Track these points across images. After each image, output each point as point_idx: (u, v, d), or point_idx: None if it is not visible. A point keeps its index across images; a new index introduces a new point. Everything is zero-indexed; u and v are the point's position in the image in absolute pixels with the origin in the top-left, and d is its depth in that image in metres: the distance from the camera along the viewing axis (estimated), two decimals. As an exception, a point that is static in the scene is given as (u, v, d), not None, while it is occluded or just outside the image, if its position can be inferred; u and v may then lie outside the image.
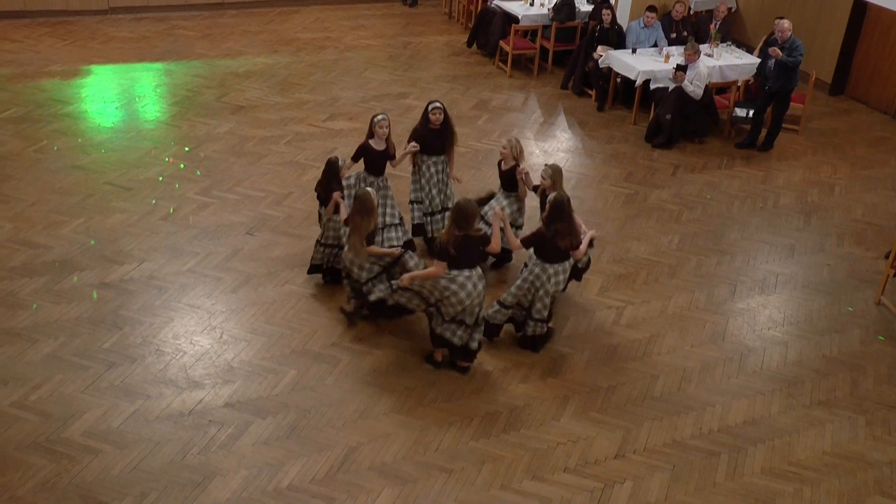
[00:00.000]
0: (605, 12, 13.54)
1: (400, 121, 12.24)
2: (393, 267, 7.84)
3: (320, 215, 8.43)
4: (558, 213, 7.40)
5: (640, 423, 7.26)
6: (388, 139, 8.59)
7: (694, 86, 11.90)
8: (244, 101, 12.77)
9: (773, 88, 11.80)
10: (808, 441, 7.23)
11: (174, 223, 9.55)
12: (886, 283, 9.05)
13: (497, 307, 7.88)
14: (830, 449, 7.18)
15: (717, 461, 6.95)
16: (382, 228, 8.55)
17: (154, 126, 11.87)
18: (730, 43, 13.65)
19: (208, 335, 7.92)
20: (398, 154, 8.82)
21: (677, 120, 12.05)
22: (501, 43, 14.61)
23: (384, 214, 8.61)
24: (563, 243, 7.46)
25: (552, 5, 14.57)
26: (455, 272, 7.13)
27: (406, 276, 7.28)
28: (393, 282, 7.54)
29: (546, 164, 8.35)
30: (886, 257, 9.44)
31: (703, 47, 12.99)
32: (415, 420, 7.11)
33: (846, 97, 14.52)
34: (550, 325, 8.07)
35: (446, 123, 8.82)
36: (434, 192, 9.06)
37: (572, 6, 14.46)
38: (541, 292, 7.65)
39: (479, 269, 7.27)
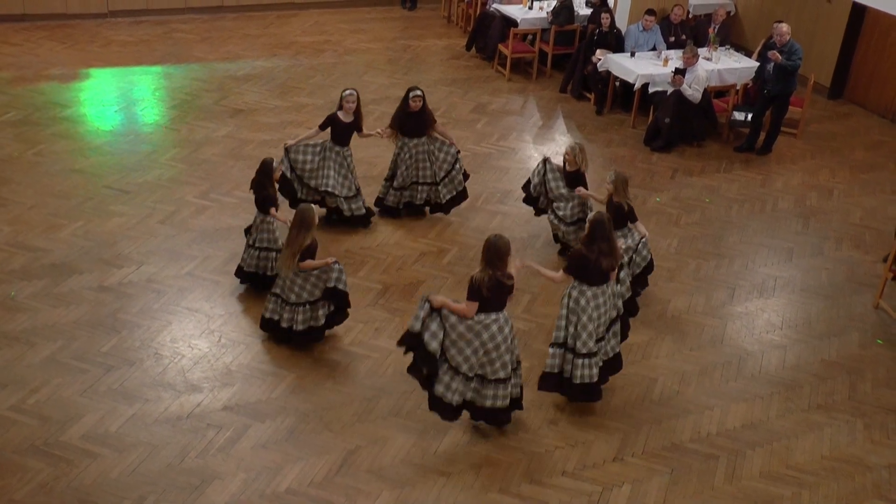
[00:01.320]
0: (604, 16, 13.55)
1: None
2: (323, 300, 7.64)
3: (255, 219, 8.45)
4: (600, 232, 6.96)
5: (638, 427, 7.26)
6: (356, 113, 9.32)
7: (693, 89, 11.91)
8: (243, 105, 12.77)
9: (771, 92, 11.81)
10: (806, 445, 7.23)
11: (173, 227, 9.55)
12: (885, 287, 9.06)
13: (550, 351, 7.27)
14: (829, 453, 7.18)
15: (716, 465, 6.95)
16: (342, 197, 9.44)
17: (153, 129, 11.88)
18: (728, 46, 13.67)
19: (207, 338, 7.92)
20: (366, 129, 9.61)
21: (676, 123, 12.06)
22: (500, 46, 14.62)
23: (342, 185, 9.44)
24: (607, 263, 7.00)
25: (551, 9, 14.58)
26: (482, 316, 6.60)
27: (440, 298, 6.66)
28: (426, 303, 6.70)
29: (612, 170, 8.45)
30: (885, 261, 9.45)
31: (702, 51, 13.00)
32: (413, 423, 7.11)
33: (845, 101, 14.53)
34: (600, 359, 7.36)
35: (424, 108, 9.52)
36: (408, 170, 9.74)
37: (571, 10, 14.48)
38: (584, 319, 7.06)
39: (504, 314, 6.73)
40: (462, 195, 10.04)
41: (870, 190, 11.62)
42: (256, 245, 8.35)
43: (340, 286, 7.52)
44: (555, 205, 9.30)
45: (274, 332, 7.83)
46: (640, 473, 6.81)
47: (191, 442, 6.77)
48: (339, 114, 9.32)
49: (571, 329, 7.11)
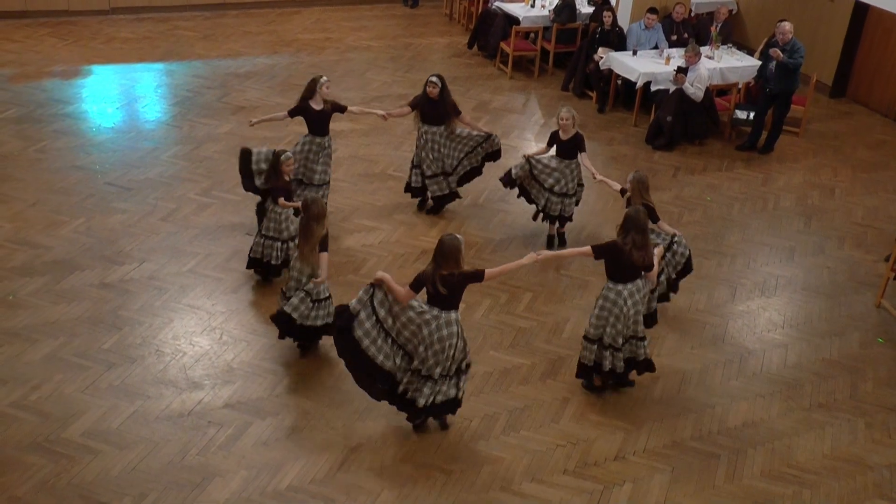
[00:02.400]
0: (606, 14, 13.54)
1: (401, 122, 12.23)
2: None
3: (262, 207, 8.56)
4: (634, 224, 6.96)
5: (639, 425, 7.26)
6: (326, 100, 9.23)
7: (695, 88, 11.90)
8: (245, 102, 12.77)
9: (773, 91, 11.81)
10: (807, 444, 7.23)
11: (175, 224, 9.55)
12: (886, 286, 9.05)
13: (583, 343, 7.38)
14: (830, 452, 7.18)
15: (717, 463, 6.95)
16: (321, 185, 9.37)
17: (155, 126, 11.87)
18: (730, 45, 13.65)
19: (208, 336, 7.92)
20: (362, 106, 10.08)
21: (678, 122, 12.05)
22: (502, 44, 14.61)
23: (324, 173, 9.40)
24: (638, 257, 6.95)
25: (553, 7, 14.57)
26: (437, 311, 6.55)
27: (384, 275, 6.64)
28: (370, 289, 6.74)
29: (634, 171, 8.39)
30: (886, 260, 9.43)
31: (704, 49, 12.99)
32: (414, 421, 7.11)
33: (847, 100, 14.51)
34: (643, 353, 7.45)
35: (443, 96, 9.46)
36: (431, 156, 9.70)
37: (573, 8, 14.46)
38: (612, 319, 7.14)
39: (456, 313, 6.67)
40: (476, 171, 10.07)
41: (872, 189, 11.61)
42: (263, 233, 8.38)
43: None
44: (554, 188, 9.36)
45: (287, 325, 7.59)
46: (642, 472, 6.81)
47: (192, 439, 6.77)
48: (311, 102, 9.15)
49: (606, 328, 7.20)
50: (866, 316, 8.93)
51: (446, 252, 6.48)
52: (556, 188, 9.36)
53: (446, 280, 6.47)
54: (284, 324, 7.50)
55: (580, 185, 9.51)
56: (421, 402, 6.66)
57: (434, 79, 9.41)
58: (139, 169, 10.65)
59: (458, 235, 6.59)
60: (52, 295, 8.28)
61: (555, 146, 9.33)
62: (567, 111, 9.10)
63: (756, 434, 7.29)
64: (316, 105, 9.16)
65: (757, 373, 8.02)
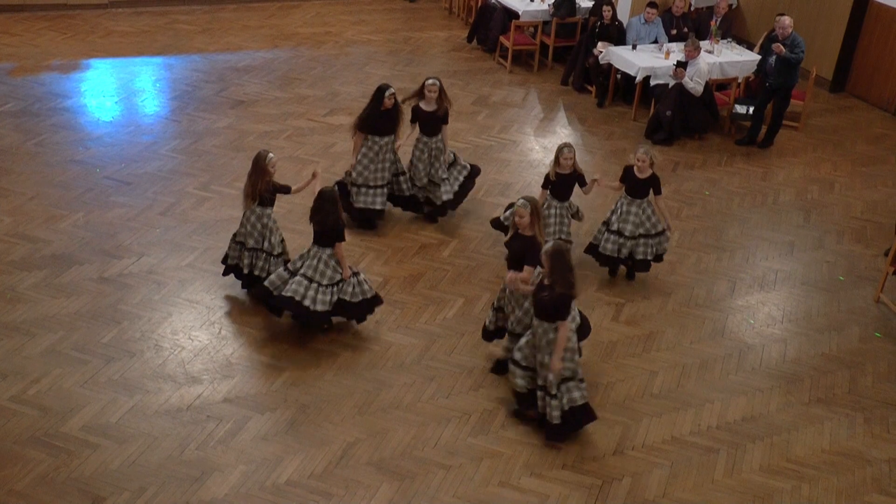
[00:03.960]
0: (606, 8, 13.51)
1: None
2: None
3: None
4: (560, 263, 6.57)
5: (638, 420, 7.26)
6: (438, 101, 9.25)
7: (694, 82, 11.89)
8: (244, 96, 12.75)
9: (773, 85, 11.79)
10: (806, 438, 7.23)
11: (173, 218, 9.54)
12: (886, 281, 9.05)
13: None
14: (829, 446, 7.18)
15: (716, 458, 6.95)
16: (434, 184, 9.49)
17: (153, 120, 11.86)
18: (730, 39, 13.63)
19: (207, 330, 7.92)
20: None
21: (677, 116, 12.04)
22: (502, 38, 14.59)
23: (437, 169, 9.46)
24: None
25: (552, 1, 14.53)
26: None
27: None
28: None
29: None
30: (886, 254, 9.45)
31: (704, 44, 12.97)
32: (413, 416, 7.11)
33: (847, 94, 14.50)
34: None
35: (439, 102, 9.32)
36: (423, 169, 9.58)
37: (573, 2, 14.42)
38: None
39: None
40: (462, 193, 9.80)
41: (871, 183, 11.60)
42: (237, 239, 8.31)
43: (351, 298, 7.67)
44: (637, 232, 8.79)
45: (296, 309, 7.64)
46: (640, 466, 6.81)
47: (191, 433, 6.77)
48: (422, 104, 9.25)
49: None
50: (865, 311, 8.93)
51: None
52: (641, 231, 8.77)
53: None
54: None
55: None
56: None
57: (434, 81, 9.24)
58: (138, 163, 10.63)
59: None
60: (51, 289, 8.28)
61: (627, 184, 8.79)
62: (644, 152, 8.54)
63: (755, 428, 7.29)
64: (427, 107, 9.31)
65: (756, 367, 8.02)
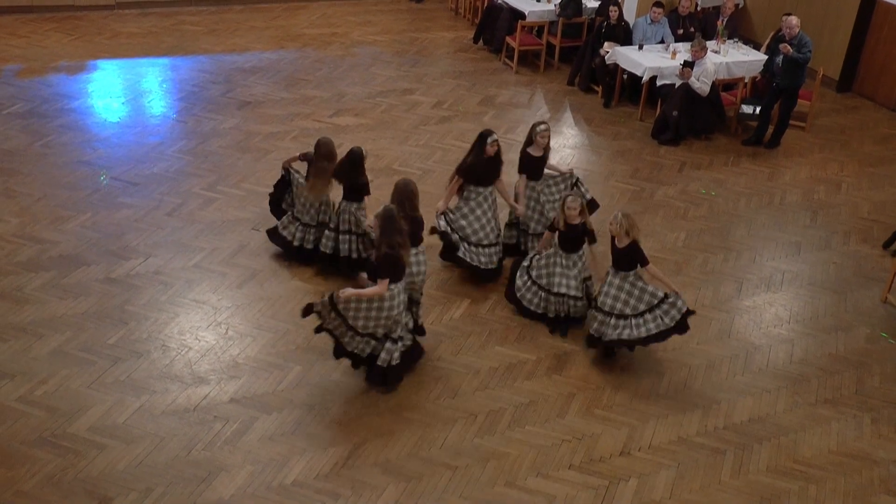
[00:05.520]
0: (612, 8, 13.50)
1: (406, 116, 12.26)
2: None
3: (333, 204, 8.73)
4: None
5: (645, 421, 7.26)
6: (547, 146, 8.77)
7: (701, 82, 11.87)
8: (250, 97, 12.77)
9: (780, 85, 11.77)
10: (813, 439, 7.22)
11: (180, 219, 9.56)
12: (893, 281, 9.02)
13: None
14: (836, 447, 7.16)
15: (723, 459, 6.94)
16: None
17: (160, 121, 11.88)
18: (737, 39, 13.61)
19: (214, 331, 7.93)
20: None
21: (684, 116, 12.03)
22: (508, 39, 14.59)
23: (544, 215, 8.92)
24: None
25: (559, 1, 14.53)
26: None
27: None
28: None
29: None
30: (884, 246, 9.51)
31: (710, 44, 12.93)
32: (420, 416, 7.11)
33: (854, 94, 14.47)
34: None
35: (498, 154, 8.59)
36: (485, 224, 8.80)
37: (579, 2, 14.43)
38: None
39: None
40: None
41: (878, 183, 11.57)
42: (340, 228, 8.54)
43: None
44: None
45: None
46: (647, 467, 6.81)
47: (198, 434, 6.78)
48: (530, 149, 8.70)
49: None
50: (873, 311, 8.91)
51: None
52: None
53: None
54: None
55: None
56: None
57: (494, 136, 8.38)
58: (144, 164, 10.65)
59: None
60: (58, 290, 8.30)
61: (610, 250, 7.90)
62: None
63: (762, 429, 7.27)
64: (535, 152, 8.77)
65: (763, 368, 8.00)
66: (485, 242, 8.70)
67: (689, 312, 7.47)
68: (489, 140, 8.31)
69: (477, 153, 8.39)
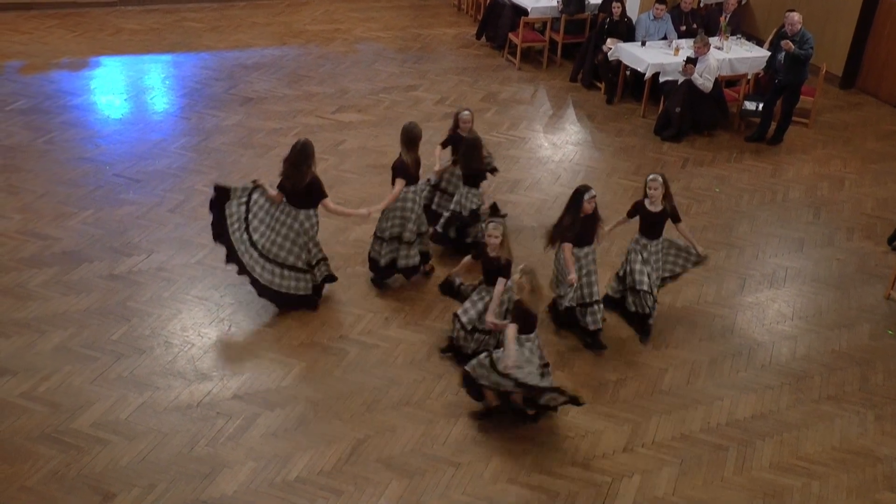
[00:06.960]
0: (615, 4, 13.48)
1: (409, 113, 12.24)
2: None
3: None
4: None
5: (648, 417, 7.25)
6: (664, 199, 7.86)
7: (703, 79, 11.86)
8: (253, 93, 12.76)
9: (783, 81, 11.75)
10: (816, 436, 7.21)
11: (183, 215, 9.56)
12: (896, 278, 9.03)
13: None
14: (839, 444, 7.15)
15: (726, 455, 6.93)
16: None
17: (163, 118, 11.88)
18: (740, 36, 13.59)
19: (216, 327, 7.93)
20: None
21: (687, 113, 12.01)
22: (510, 35, 14.57)
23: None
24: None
25: (561, -3, 14.53)
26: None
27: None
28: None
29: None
30: (888, 242, 9.48)
31: (713, 40, 12.93)
32: (423, 413, 7.11)
33: (857, 90, 14.44)
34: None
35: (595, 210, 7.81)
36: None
37: (582, -2, 14.43)
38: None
39: None
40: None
41: (881, 180, 11.55)
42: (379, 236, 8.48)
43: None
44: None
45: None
46: (650, 464, 6.80)
47: (200, 430, 6.79)
48: (646, 202, 7.88)
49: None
50: (876, 308, 8.90)
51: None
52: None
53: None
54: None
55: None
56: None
57: (593, 193, 7.56)
58: (147, 160, 10.65)
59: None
60: (61, 286, 8.30)
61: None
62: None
63: (765, 426, 7.27)
64: (652, 207, 7.89)
65: (766, 364, 7.99)
66: (586, 300, 7.92)
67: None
68: (586, 197, 7.51)
69: (573, 212, 7.57)
